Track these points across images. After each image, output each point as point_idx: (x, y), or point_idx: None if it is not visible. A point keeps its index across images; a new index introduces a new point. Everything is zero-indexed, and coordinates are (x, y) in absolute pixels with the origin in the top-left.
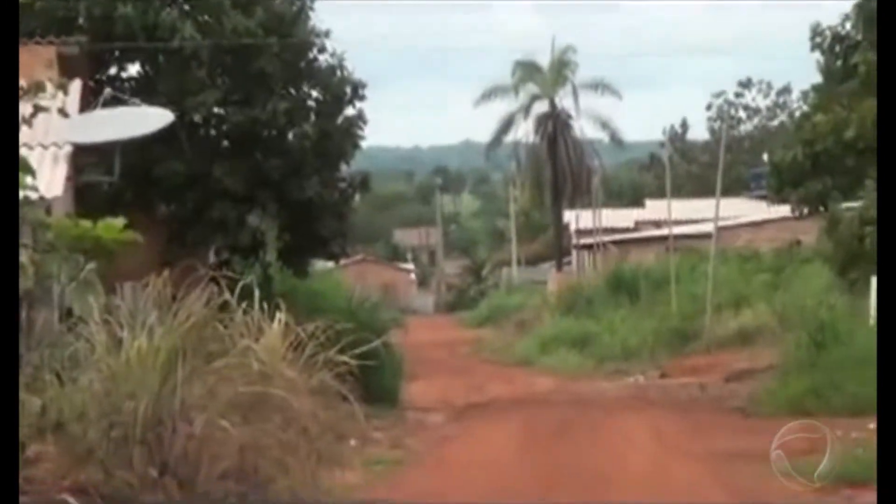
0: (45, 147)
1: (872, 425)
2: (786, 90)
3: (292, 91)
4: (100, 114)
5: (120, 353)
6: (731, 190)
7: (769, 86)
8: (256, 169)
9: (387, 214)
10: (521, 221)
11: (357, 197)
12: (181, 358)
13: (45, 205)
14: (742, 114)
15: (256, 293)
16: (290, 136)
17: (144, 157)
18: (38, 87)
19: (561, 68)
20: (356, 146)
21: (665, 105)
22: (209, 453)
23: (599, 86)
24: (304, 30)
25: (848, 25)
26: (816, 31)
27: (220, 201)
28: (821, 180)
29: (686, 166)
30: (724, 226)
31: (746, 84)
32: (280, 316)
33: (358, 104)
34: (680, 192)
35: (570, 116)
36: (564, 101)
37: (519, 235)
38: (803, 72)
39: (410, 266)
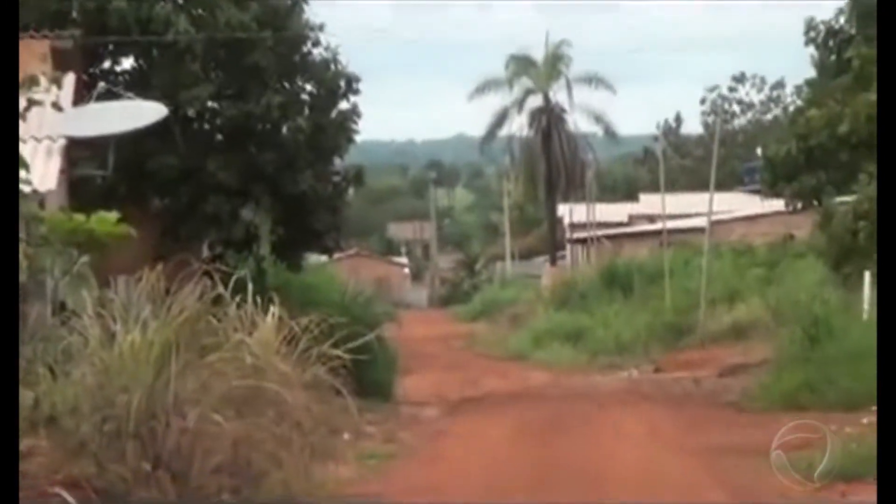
0: (38, 141)
1: (866, 420)
2: (779, 85)
3: (286, 85)
4: (93, 108)
5: (113, 347)
6: (724, 184)
7: (763, 80)
8: (250, 163)
9: (381, 208)
10: (514, 215)
11: (351, 191)
12: (174, 352)
13: (39, 198)
14: (736, 108)
15: (250, 287)
16: (284, 129)
17: (138, 151)
18: (32, 81)
19: (555, 62)
20: (350, 140)
21: (659, 99)
22: (202, 447)
23: (593, 80)
24: (298, 23)
25: (842, 20)
26: (810, 26)
27: (214, 195)
28: (814, 175)
29: (680, 160)
30: (717, 220)
31: (740, 78)
32: (274, 310)
33: (352, 98)
34: (674, 186)
35: (564, 110)
36: (558, 95)
37: (513, 229)
38: (798, 67)
39: (404, 260)
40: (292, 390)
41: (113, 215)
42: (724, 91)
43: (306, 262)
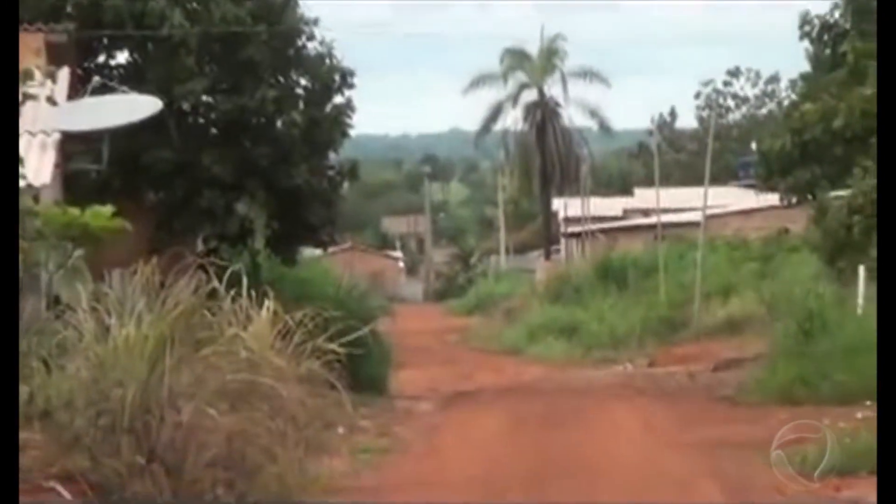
0: (33, 135)
1: (860, 414)
2: (774, 79)
3: (281, 79)
4: (88, 101)
5: (108, 341)
6: (719, 178)
7: (758, 75)
8: (245, 157)
9: (375, 202)
10: (509, 210)
11: (345, 185)
12: (169, 346)
13: (34, 193)
14: (731, 102)
15: (244, 281)
16: (279, 124)
17: (133, 145)
18: (27, 75)
19: (550, 56)
20: (345, 134)
21: (654, 94)
22: (197, 441)
23: (588, 74)
24: (292, 18)
25: (836, 14)
26: (805, 21)
27: (209, 189)
28: (809, 169)
29: (674, 155)
30: (712, 214)
31: (735, 73)
32: (268, 304)
33: (347, 92)
34: (668, 180)
35: (558, 105)
36: (553, 89)
37: (507, 224)
38: (793, 61)
39: (399, 254)
40: (287, 384)
41: (107, 209)
42: (719, 85)
43: (301, 256)
